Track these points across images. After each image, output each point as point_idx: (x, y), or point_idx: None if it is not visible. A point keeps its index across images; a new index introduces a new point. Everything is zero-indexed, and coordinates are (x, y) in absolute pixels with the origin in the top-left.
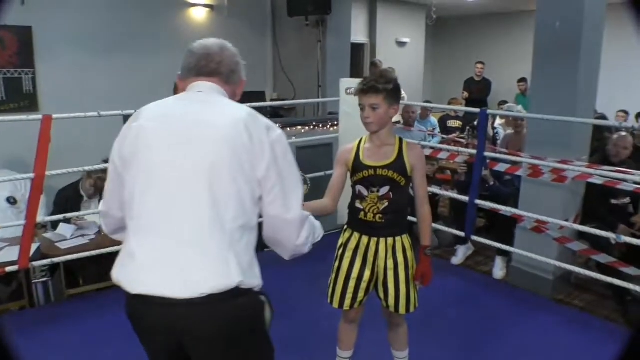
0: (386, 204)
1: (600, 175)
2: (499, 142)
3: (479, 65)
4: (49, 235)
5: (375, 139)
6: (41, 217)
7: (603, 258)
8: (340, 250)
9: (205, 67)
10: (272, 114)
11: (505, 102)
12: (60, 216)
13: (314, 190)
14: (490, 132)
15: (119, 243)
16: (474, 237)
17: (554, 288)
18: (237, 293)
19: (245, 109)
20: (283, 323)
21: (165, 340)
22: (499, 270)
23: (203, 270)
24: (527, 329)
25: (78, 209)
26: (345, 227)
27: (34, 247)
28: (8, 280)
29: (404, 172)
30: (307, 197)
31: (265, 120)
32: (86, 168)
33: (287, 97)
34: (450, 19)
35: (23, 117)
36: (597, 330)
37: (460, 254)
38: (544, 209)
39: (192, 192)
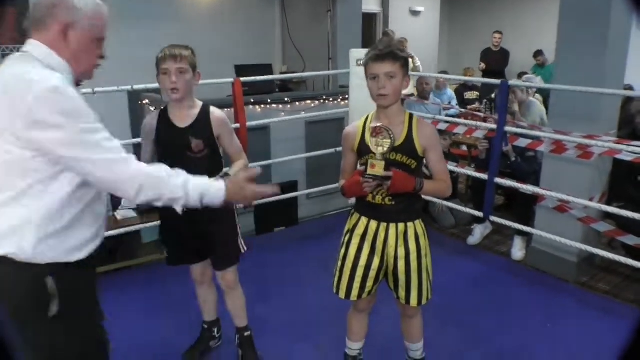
0: None
1: (630, 151)
2: None
3: (497, 35)
4: None
5: (383, 117)
6: None
7: (630, 239)
8: (347, 237)
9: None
10: (281, 87)
11: (524, 74)
12: None
13: (324, 170)
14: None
15: None
16: (493, 218)
17: (577, 270)
18: None
19: (19, 67)
20: (292, 307)
21: None
22: (517, 251)
23: None
24: (549, 314)
25: None
26: (353, 211)
27: None
28: None
29: (414, 155)
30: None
31: (32, 76)
32: None
33: (297, 70)
34: None
35: None
36: (623, 316)
37: (478, 234)
38: (567, 187)
39: None
